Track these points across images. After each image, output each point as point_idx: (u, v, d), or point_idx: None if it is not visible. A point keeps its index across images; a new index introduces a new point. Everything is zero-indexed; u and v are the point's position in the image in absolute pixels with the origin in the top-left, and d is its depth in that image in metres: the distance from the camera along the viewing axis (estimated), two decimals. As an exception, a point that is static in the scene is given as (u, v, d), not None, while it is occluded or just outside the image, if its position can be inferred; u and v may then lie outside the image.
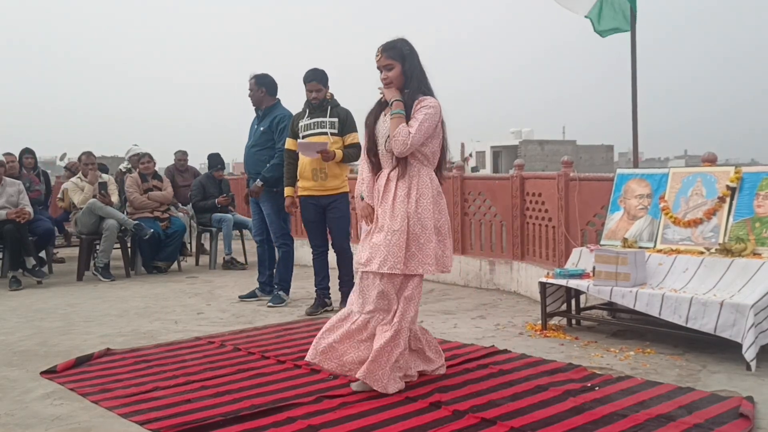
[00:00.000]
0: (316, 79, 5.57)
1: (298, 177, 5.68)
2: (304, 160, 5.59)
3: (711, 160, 4.93)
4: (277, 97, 6.24)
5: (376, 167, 3.84)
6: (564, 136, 50.76)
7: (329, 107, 5.60)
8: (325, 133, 5.54)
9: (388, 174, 3.74)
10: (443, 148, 3.84)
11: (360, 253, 3.75)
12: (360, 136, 5.53)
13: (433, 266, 3.68)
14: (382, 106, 3.87)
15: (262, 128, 6.11)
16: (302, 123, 5.65)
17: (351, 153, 5.59)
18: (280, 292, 6.16)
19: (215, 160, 9.15)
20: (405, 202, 3.66)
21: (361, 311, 3.68)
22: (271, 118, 6.09)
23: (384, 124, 3.78)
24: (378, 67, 3.80)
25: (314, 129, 5.58)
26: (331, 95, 5.69)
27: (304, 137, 5.58)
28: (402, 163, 3.70)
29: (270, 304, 6.10)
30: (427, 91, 3.76)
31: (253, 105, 6.25)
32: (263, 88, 6.17)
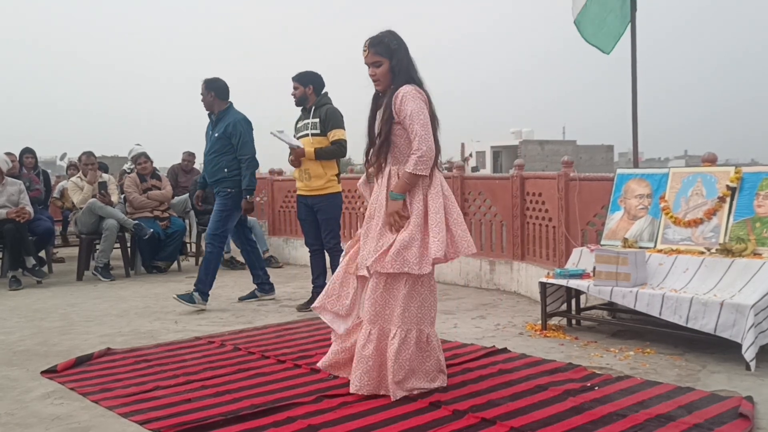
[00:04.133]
0: (295, 78, 5.76)
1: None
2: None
3: (711, 160, 4.93)
4: (228, 100, 6.13)
5: (377, 167, 3.69)
6: (564, 136, 50.76)
7: (314, 108, 5.71)
8: (308, 135, 5.68)
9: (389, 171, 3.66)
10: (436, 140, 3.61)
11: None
12: (346, 133, 5.69)
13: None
14: (377, 102, 3.76)
15: (216, 134, 6.03)
16: (296, 125, 5.86)
17: (330, 150, 5.65)
18: (195, 293, 5.89)
19: None
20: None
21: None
22: (225, 124, 5.99)
23: (378, 121, 3.70)
24: (366, 63, 3.70)
25: (302, 131, 5.75)
26: (325, 94, 5.78)
27: (297, 138, 5.77)
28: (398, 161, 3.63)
29: (176, 296, 5.89)
30: (415, 83, 3.62)
31: (206, 110, 6.14)
32: (212, 92, 6.03)
